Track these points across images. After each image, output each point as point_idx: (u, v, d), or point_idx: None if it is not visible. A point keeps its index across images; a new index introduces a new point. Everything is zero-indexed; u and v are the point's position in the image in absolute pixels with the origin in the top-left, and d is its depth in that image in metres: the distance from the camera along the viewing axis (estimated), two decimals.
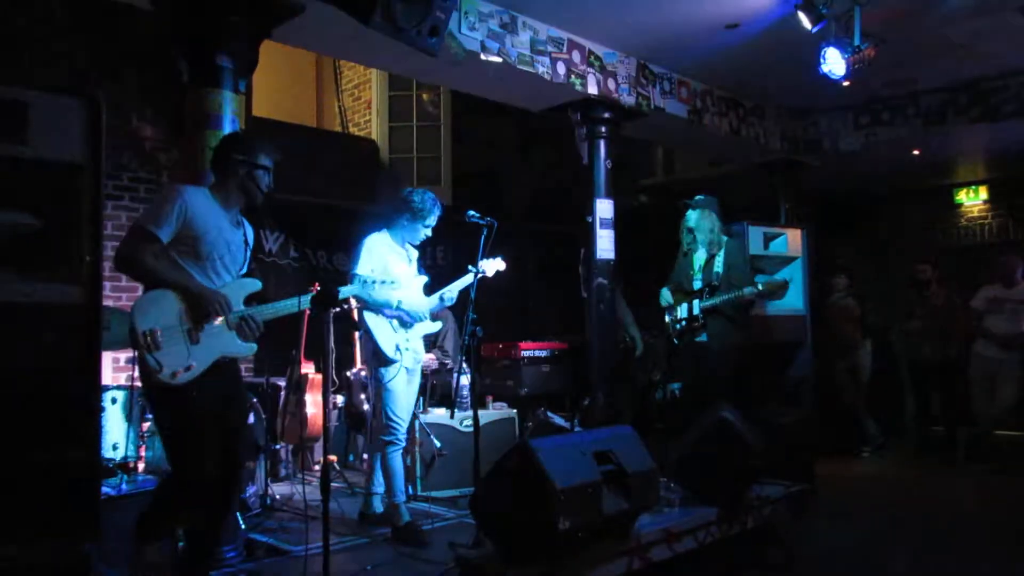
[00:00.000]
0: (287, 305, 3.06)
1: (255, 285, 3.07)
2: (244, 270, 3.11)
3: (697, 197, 5.33)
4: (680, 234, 5.41)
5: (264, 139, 3.16)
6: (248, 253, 3.10)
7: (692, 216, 5.27)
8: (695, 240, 5.29)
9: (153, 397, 2.89)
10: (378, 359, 4.09)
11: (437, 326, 4.35)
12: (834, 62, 5.04)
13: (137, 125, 5.96)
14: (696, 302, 5.23)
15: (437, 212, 4.19)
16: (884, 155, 7.77)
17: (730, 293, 5.04)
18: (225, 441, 2.95)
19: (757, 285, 5.01)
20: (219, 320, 2.88)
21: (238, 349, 3.00)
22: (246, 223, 3.15)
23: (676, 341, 5.37)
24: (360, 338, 4.41)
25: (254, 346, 3.07)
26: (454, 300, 4.34)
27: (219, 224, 2.94)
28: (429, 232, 4.25)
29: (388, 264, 4.12)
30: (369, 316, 4.11)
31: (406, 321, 4.15)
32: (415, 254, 4.37)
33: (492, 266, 4.35)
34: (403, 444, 4.13)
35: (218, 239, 2.93)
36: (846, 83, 5.29)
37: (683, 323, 5.27)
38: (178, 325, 2.80)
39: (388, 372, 4.07)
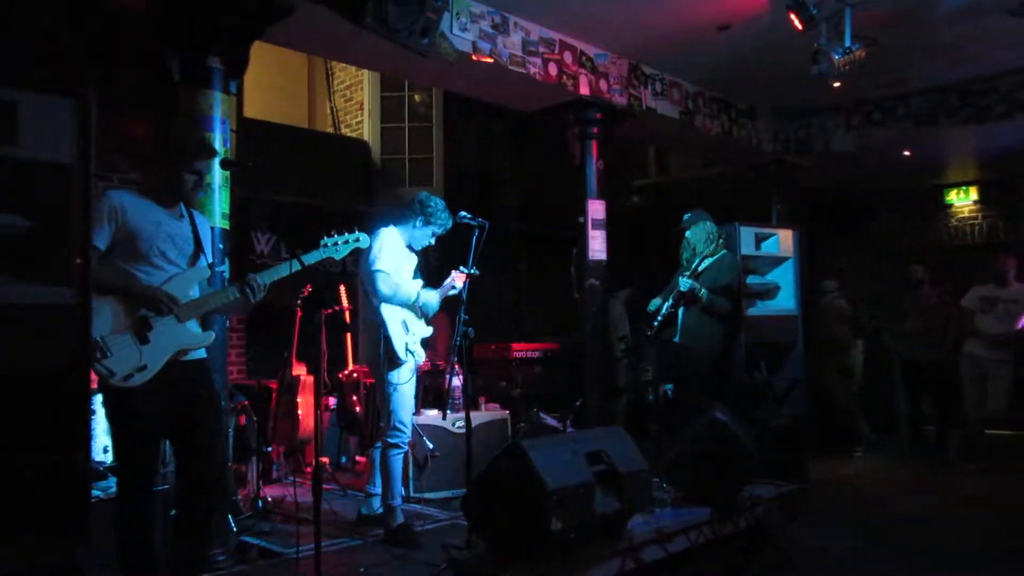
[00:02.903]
0: (225, 294, 3.06)
1: (203, 272, 3.08)
2: (206, 260, 3.10)
3: (686, 216, 5.43)
4: (680, 253, 5.52)
5: (200, 143, 3.15)
6: (200, 242, 3.09)
7: (698, 232, 5.38)
8: (695, 253, 5.39)
9: (107, 400, 2.90)
10: (389, 360, 4.02)
11: (430, 330, 4.30)
12: (825, 63, 5.07)
13: (127, 126, 5.94)
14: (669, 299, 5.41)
15: (448, 225, 4.13)
16: (875, 156, 7.80)
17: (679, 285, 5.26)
18: (192, 441, 2.95)
19: (700, 290, 5.20)
20: (166, 316, 2.88)
21: (194, 340, 3.00)
22: (196, 215, 3.16)
23: (648, 333, 5.48)
24: (359, 339, 4.33)
25: (212, 334, 3.08)
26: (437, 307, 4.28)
27: (156, 219, 2.96)
28: (433, 241, 4.20)
29: (399, 260, 4.08)
30: (388, 313, 4.02)
31: (420, 316, 4.12)
32: (414, 258, 4.31)
33: (460, 278, 4.10)
34: (406, 448, 4.11)
35: (156, 233, 2.94)
36: (837, 84, 5.32)
37: (659, 319, 5.41)
38: (122, 329, 2.82)
39: (398, 374, 4.01)
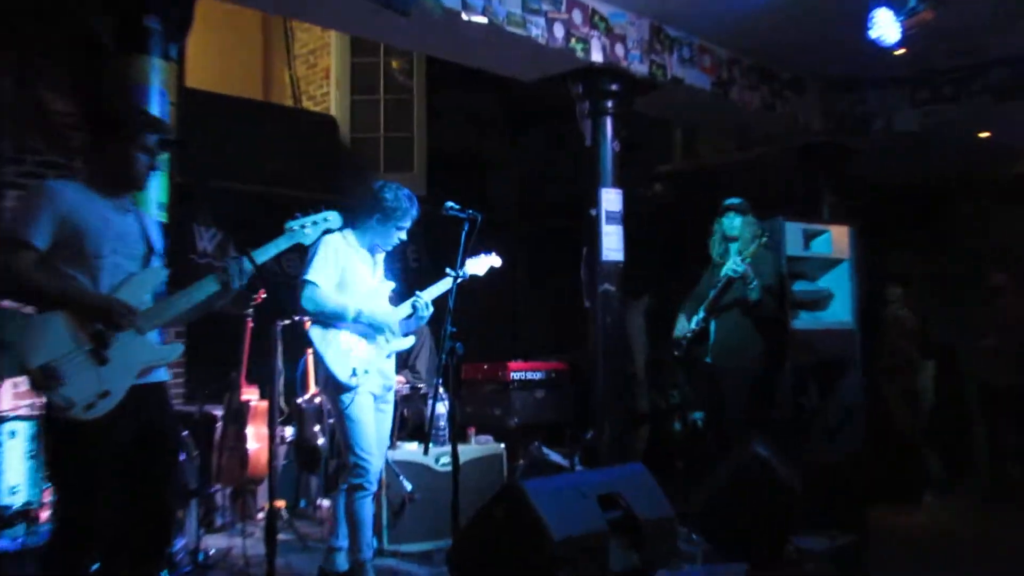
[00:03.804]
0: (201, 289, 3.03)
1: (159, 274, 3.06)
2: (158, 261, 3.10)
3: (736, 200, 5.44)
4: (711, 242, 5.53)
5: (145, 114, 3.14)
6: (151, 240, 3.09)
7: (736, 222, 5.38)
8: (728, 251, 5.40)
9: (55, 431, 2.87)
10: (333, 385, 4.06)
11: (409, 342, 4.31)
12: (885, 26, 5.09)
13: (46, 99, 5.94)
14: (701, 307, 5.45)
15: (414, 213, 4.18)
16: (947, 137, 7.83)
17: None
18: (145, 482, 2.95)
19: (751, 280, 5.21)
20: (126, 329, 2.86)
21: (159, 355, 3.00)
22: (140, 210, 3.18)
23: (676, 353, 5.50)
24: (314, 358, 4.38)
25: (179, 346, 3.09)
26: (430, 312, 4.31)
27: (103, 214, 2.95)
28: (403, 236, 4.25)
29: (348, 269, 4.11)
30: (316, 333, 4.07)
31: (369, 334, 4.13)
32: (381, 257, 4.36)
33: (483, 264, 4.37)
34: (374, 488, 4.11)
35: (105, 231, 2.93)
36: (900, 51, 5.34)
37: (689, 334, 5.42)
38: (77, 348, 2.79)
39: (347, 399, 4.04)
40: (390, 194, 4.12)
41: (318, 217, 3.34)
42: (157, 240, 3.15)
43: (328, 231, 3.47)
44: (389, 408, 4.28)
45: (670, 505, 3.71)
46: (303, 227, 3.30)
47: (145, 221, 3.13)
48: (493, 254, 4.40)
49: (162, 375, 3.07)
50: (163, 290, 3.11)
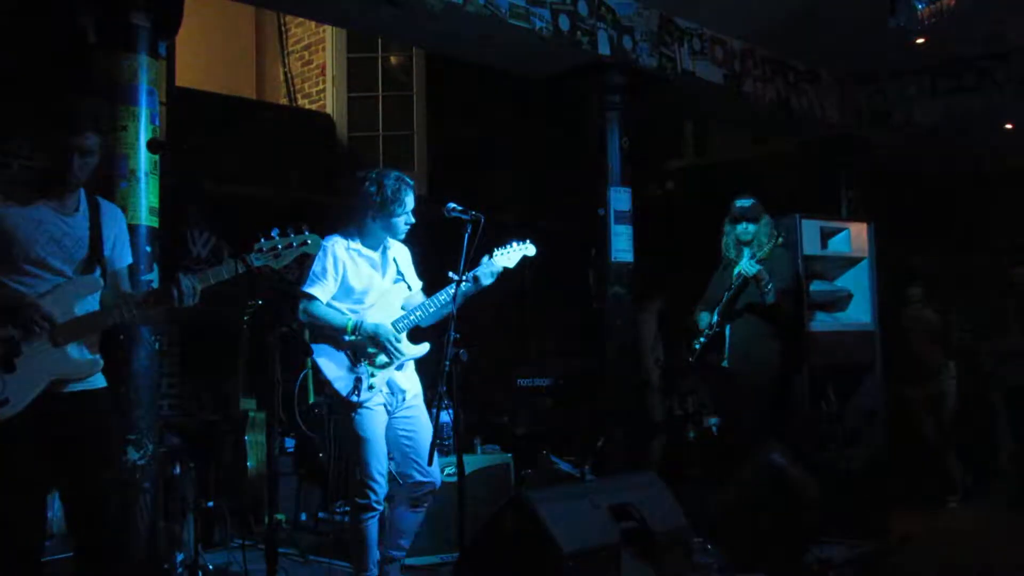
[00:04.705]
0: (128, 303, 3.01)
1: (94, 284, 3.02)
2: (106, 266, 3.06)
3: (749, 203, 5.42)
4: (723, 244, 5.53)
5: (65, 114, 3.00)
6: (100, 245, 3.04)
7: (750, 228, 5.37)
8: (742, 252, 5.41)
9: None
10: (338, 401, 4.04)
11: (423, 349, 4.22)
12: (906, 13, 5.09)
13: (29, 100, 5.96)
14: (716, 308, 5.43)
15: (409, 198, 4.08)
16: (970, 129, 7.82)
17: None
18: (79, 501, 2.94)
19: (767, 282, 5.18)
20: (38, 336, 2.85)
21: (74, 368, 2.96)
22: (106, 207, 3.13)
23: (690, 358, 5.50)
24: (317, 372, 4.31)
25: (99, 360, 3.02)
26: (472, 288, 4.10)
27: (37, 216, 2.93)
28: (411, 219, 4.13)
29: (350, 276, 4.06)
30: (318, 346, 4.04)
31: (372, 345, 4.07)
32: (405, 252, 4.28)
33: (514, 255, 4.20)
34: (381, 509, 4.05)
35: (37, 234, 2.91)
36: (921, 40, 5.34)
37: (704, 337, 5.45)
38: None
39: (353, 415, 3.98)
40: (373, 188, 4.00)
41: (294, 239, 3.14)
42: (113, 245, 3.11)
43: (307, 255, 3.35)
44: (418, 421, 4.13)
45: (684, 515, 3.72)
46: (273, 249, 3.12)
47: (103, 221, 3.08)
48: (527, 242, 4.21)
49: (96, 383, 3.03)
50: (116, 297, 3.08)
